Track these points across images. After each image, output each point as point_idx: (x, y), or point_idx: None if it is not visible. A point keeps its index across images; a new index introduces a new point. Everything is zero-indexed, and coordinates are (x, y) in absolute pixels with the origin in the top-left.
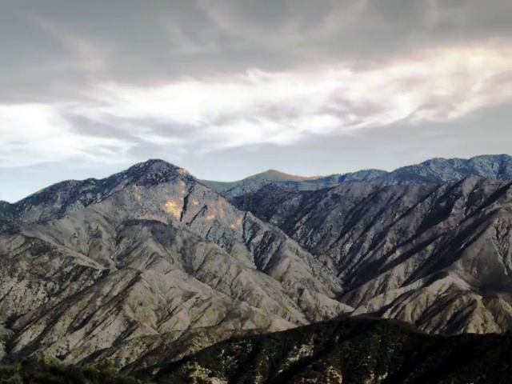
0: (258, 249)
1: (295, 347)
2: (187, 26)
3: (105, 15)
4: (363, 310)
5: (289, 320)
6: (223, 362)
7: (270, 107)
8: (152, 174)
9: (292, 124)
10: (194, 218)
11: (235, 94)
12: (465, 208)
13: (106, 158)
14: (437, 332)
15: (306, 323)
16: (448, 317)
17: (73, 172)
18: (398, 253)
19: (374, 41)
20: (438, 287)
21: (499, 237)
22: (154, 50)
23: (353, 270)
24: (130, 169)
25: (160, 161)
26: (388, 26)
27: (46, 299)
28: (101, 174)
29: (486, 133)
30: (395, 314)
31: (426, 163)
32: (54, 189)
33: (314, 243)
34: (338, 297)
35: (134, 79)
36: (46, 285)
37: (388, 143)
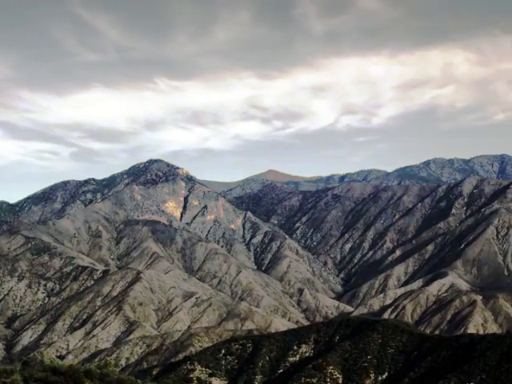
0: (258, 249)
1: (295, 347)
2: (80, 36)
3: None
4: (363, 310)
5: (289, 320)
6: (223, 362)
7: (191, 114)
8: (152, 174)
9: (221, 130)
10: (194, 218)
11: (152, 101)
12: (465, 208)
13: (50, 162)
14: (437, 332)
15: (306, 323)
16: (448, 317)
17: (29, 175)
18: (398, 253)
19: (266, 50)
20: (438, 287)
21: (499, 237)
22: (56, 59)
23: (353, 270)
24: (129, 169)
25: (160, 161)
26: (275, 36)
27: (46, 299)
28: (50, 179)
29: (413, 137)
30: (395, 314)
31: (426, 163)
32: (54, 189)
33: (314, 243)
34: (338, 297)
35: (46, 87)
36: (45, 285)
37: (325, 147)
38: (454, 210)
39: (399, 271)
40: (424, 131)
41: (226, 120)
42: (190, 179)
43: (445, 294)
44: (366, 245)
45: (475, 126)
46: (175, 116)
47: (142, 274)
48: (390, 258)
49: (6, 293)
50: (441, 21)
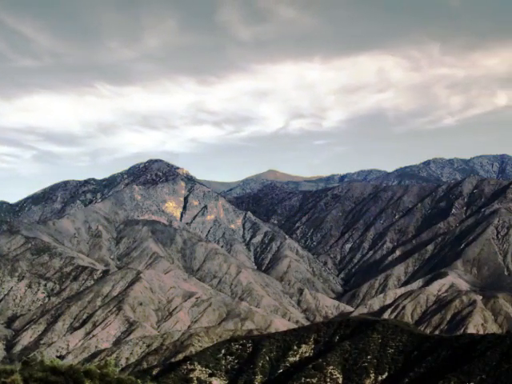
0: (258, 249)
1: (295, 347)
2: (10, 42)
3: None
4: (363, 309)
5: (289, 320)
6: (223, 361)
7: (141, 118)
8: (152, 174)
9: (175, 133)
10: (194, 218)
11: (99, 105)
12: (465, 208)
13: (14, 165)
14: (437, 332)
15: (306, 323)
16: (448, 317)
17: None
18: (397, 253)
19: (198, 56)
20: (438, 287)
21: (499, 237)
22: None
23: (353, 270)
24: (130, 169)
25: (160, 161)
26: (205, 43)
27: (46, 299)
28: (20, 180)
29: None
30: (395, 314)
31: (426, 163)
32: (53, 189)
33: (314, 243)
34: (338, 297)
35: None
36: (46, 285)
37: (285, 150)
38: (453, 210)
39: (399, 271)
40: (378, 134)
41: (178, 124)
42: (189, 179)
43: (445, 294)
44: (366, 245)
45: (427, 129)
46: (125, 120)
47: (141, 274)
48: (390, 258)
49: (6, 293)
50: (366, 28)
